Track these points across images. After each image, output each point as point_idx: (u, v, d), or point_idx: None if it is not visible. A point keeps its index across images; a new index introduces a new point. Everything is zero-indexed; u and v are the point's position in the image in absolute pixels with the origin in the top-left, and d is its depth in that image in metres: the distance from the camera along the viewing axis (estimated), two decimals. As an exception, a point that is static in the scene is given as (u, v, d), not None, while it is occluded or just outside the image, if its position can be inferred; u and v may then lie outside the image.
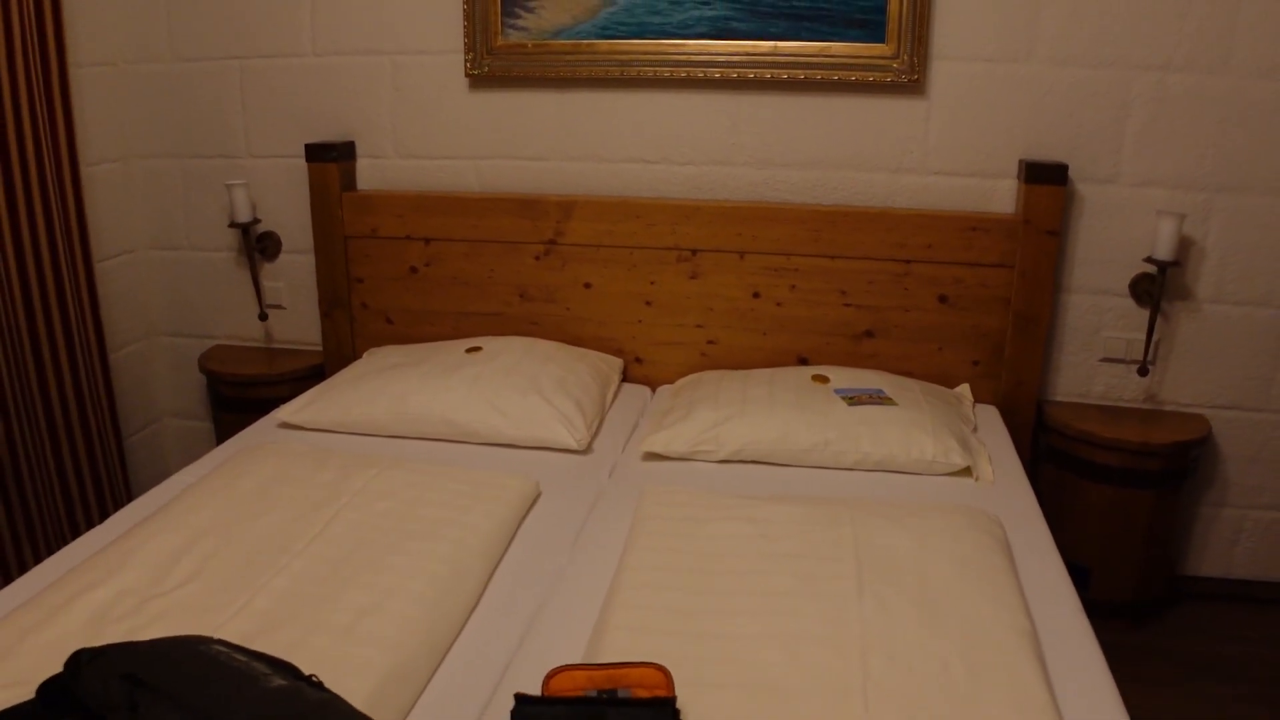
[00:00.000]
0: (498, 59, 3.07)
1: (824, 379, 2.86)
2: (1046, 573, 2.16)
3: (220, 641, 1.56)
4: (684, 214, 3.05)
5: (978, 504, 2.43)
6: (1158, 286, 2.92)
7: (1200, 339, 3.04)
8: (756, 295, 3.08)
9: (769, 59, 2.96)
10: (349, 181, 3.27)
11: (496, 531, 2.21)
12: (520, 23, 3.04)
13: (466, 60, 3.09)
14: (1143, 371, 2.99)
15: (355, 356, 3.34)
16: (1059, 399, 3.15)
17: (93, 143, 3.24)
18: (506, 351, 2.99)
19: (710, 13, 2.95)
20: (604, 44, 3.02)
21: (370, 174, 3.30)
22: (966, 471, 2.59)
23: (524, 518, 2.35)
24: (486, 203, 3.14)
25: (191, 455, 3.69)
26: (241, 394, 3.33)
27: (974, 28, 2.89)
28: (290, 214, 3.39)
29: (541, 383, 2.83)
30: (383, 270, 3.26)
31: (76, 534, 3.08)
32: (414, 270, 3.23)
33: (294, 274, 3.45)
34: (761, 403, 2.72)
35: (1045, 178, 2.87)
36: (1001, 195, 3.00)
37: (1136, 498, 2.94)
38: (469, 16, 3.04)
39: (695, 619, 1.86)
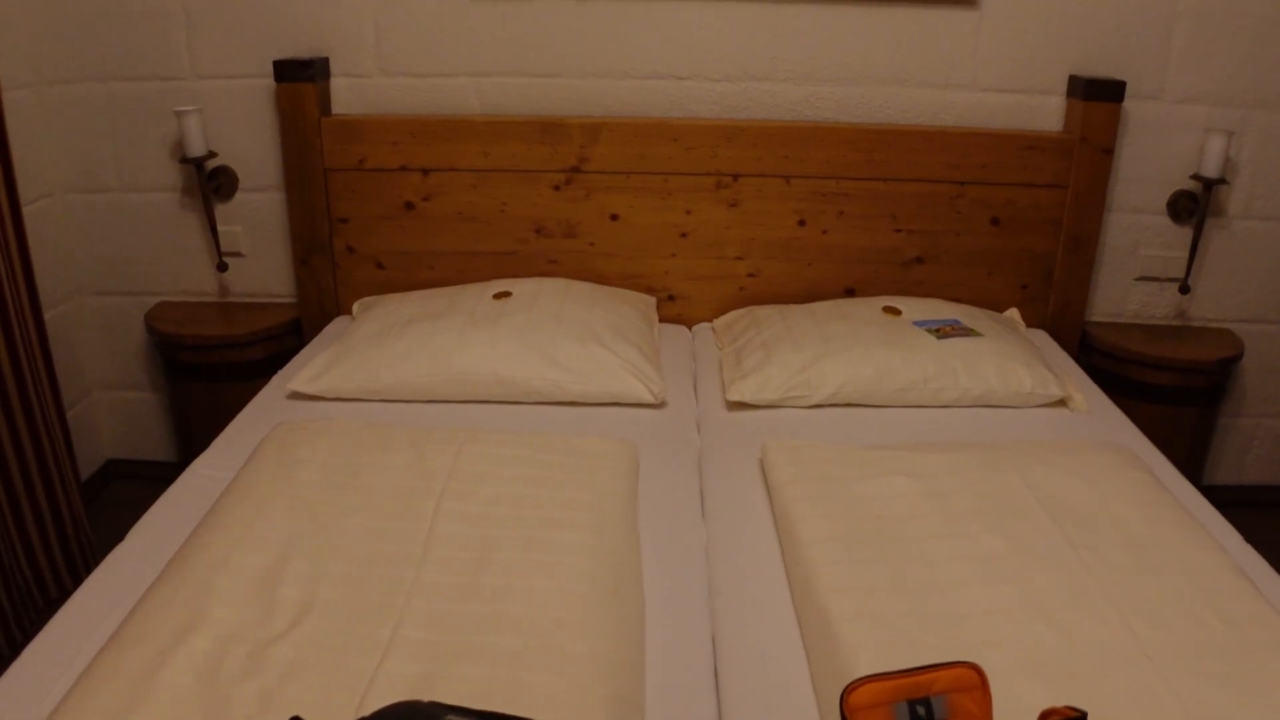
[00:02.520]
0: (510, -39, 2.69)
1: (895, 310, 2.69)
2: (1194, 503, 2.10)
3: (451, 708, 1.25)
4: (725, 135, 2.77)
5: (1085, 433, 2.37)
6: (1202, 204, 2.88)
7: (1229, 255, 3.04)
8: (802, 223, 2.85)
9: (819, -36, 2.71)
10: (325, 105, 2.81)
11: (625, 509, 1.93)
12: (538, -81, 2.66)
13: (473, -39, 2.69)
14: (1184, 289, 2.97)
15: (339, 309, 2.91)
16: (1095, 319, 3.10)
17: (-6, 63, 2.64)
18: (542, 295, 2.65)
19: (757, -90, 2.67)
20: (634, -56, 2.68)
21: (347, 95, 2.84)
22: (1061, 402, 2.50)
23: (636, 485, 2.08)
24: (498, 127, 2.76)
25: (131, 433, 3.21)
26: (204, 359, 2.84)
27: (1031, -68, 2.74)
28: (248, 145, 2.89)
29: (597, 329, 2.52)
30: (372, 208, 2.82)
31: (24, 532, 2.56)
32: (410, 206, 2.82)
33: (254, 216, 2.96)
34: (846, 339, 2.52)
35: (1102, 94, 2.76)
36: (1049, 113, 2.88)
37: (1181, 414, 2.94)
38: (477, -89, 2.64)
39: (920, 597, 1.65)
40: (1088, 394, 2.56)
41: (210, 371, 2.84)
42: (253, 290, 3.04)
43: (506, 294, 2.66)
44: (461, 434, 2.12)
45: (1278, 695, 1.46)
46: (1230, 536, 1.98)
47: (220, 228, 2.93)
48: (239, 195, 2.93)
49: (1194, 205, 2.93)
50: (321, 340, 2.74)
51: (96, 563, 2.69)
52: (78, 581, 2.69)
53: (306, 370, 2.43)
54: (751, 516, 2.00)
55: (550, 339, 2.46)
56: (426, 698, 1.39)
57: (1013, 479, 2.00)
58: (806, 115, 2.87)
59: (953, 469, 2.04)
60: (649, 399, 2.40)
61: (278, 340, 2.89)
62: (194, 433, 2.91)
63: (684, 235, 2.86)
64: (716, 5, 2.77)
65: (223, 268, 2.93)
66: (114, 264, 3.02)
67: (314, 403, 2.39)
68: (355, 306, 2.85)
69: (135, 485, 3.19)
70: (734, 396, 2.42)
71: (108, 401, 3.19)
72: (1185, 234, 2.99)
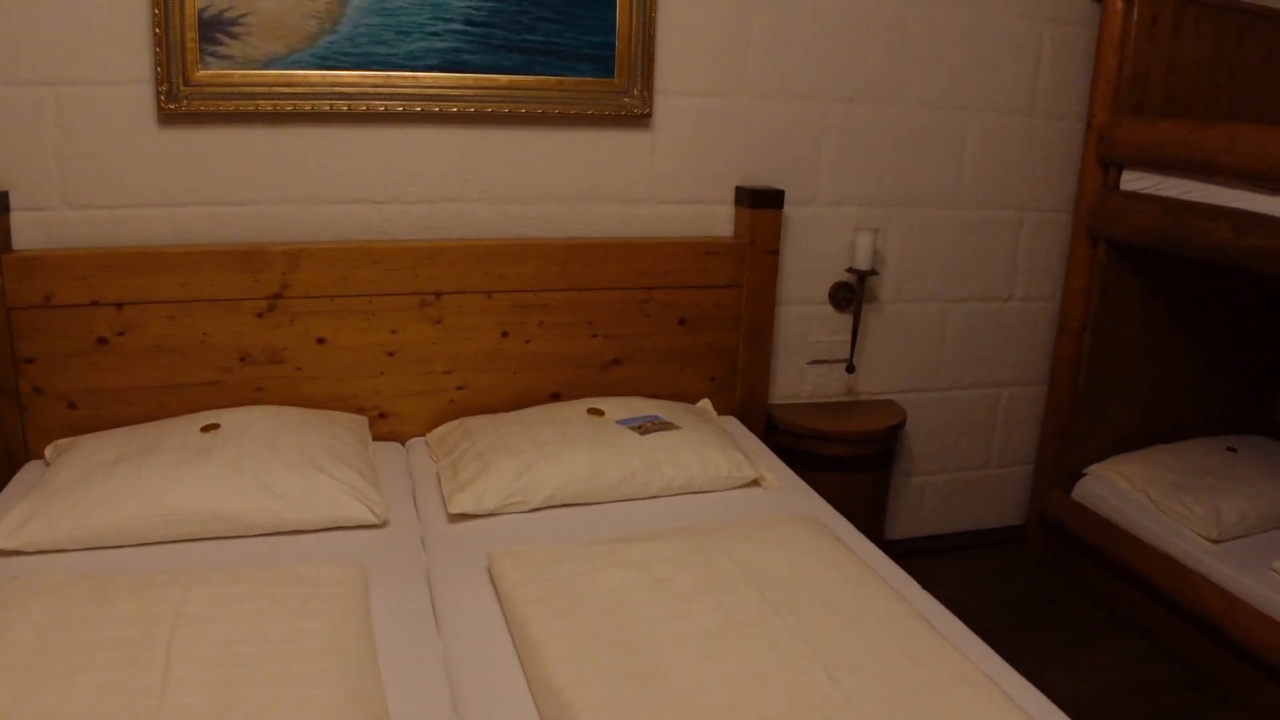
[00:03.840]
0: (197, 92, 2.68)
1: (599, 411, 2.86)
2: (875, 559, 2.40)
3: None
4: (425, 256, 2.88)
5: (778, 507, 2.65)
6: (858, 293, 3.27)
7: (885, 335, 3.46)
8: (505, 335, 2.99)
9: (504, 93, 2.88)
10: (5, 241, 2.68)
11: (360, 632, 1.96)
12: (224, 50, 2.67)
13: (160, 93, 2.66)
14: (850, 369, 3.34)
15: (30, 455, 2.75)
16: (777, 401, 3.42)
17: None
18: (252, 424, 2.64)
19: (441, 44, 2.81)
20: (324, 75, 2.75)
21: (31, 230, 2.72)
22: (755, 482, 2.75)
23: (369, 608, 2.11)
24: (196, 257, 2.74)
25: None
26: (-122, 519, 2.60)
27: (693, 64, 3.07)
28: (-84, 287, 2.70)
29: (313, 455, 2.53)
30: (61, 345, 2.70)
31: None
32: (103, 342, 2.73)
33: (-73, 361, 2.75)
34: (557, 443, 2.67)
35: (765, 203, 3.11)
36: (721, 220, 3.20)
37: (859, 480, 3.29)
38: (160, 42, 2.62)
39: (651, 678, 1.81)
40: (776, 472, 2.83)
41: (-117, 534, 2.61)
42: (-72, 441, 2.82)
43: (215, 426, 2.62)
44: (185, 576, 2.07)
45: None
46: (909, 585, 2.29)
47: (-113, 378, 2.71)
48: (-92, 341, 2.74)
49: (851, 294, 3.32)
50: (14, 489, 2.57)
51: None
52: None
53: (3, 524, 2.29)
54: (485, 625, 2.08)
55: (266, 468, 2.45)
56: None
57: (720, 558, 2.22)
58: (503, 232, 3.03)
59: (667, 556, 2.23)
60: (371, 519, 2.44)
61: (-38, 493, 2.70)
62: None
63: (391, 354, 2.93)
64: (408, 131, 2.89)
65: (-109, 420, 2.71)
66: None
67: (14, 559, 2.25)
68: (48, 450, 2.70)
69: None
70: (455, 509, 2.50)
71: None
72: (847, 320, 3.37)
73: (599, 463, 2.62)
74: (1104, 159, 3.33)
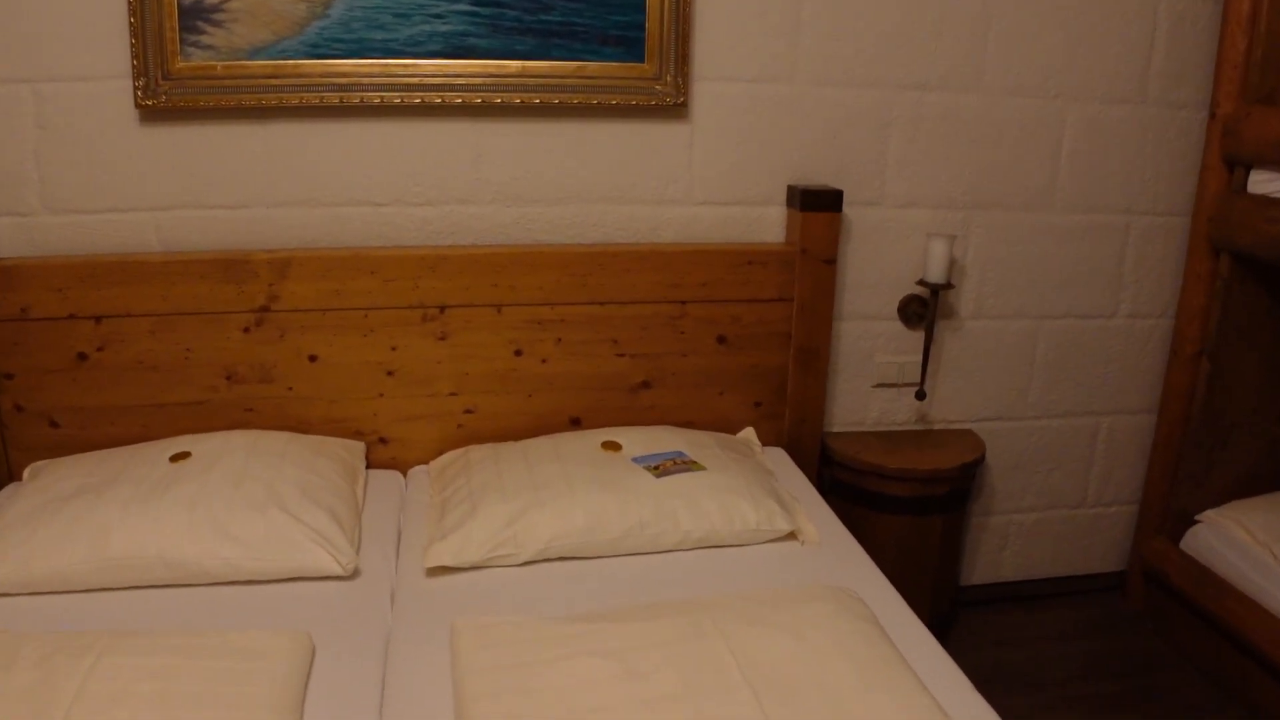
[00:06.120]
0: (178, 85, 2.44)
1: (615, 445, 2.53)
2: (920, 646, 1.98)
3: None
4: (428, 265, 2.59)
5: (812, 570, 2.25)
6: (930, 309, 2.85)
7: (964, 356, 3.04)
8: (518, 353, 2.69)
9: (517, 81, 2.56)
10: (-19, 249, 2.52)
11: (283, 720, 1.70)
12: (205, 40, 2.43)
13: (136, 88, 2.43)
14: (920, 395, 2.93)
15: (12, 475, 2.58)
16: (836, 429, 3.03)
17: None
18: (224, 454, 2.39)
19: (444, 28, 2.51)
20: (315, 64, 2.48)
21: (11, 237, 2.54)
22: (790, 535, 2.38)
23: (306, 687, 1.83)
24: (176, 266, 2.51)
25: None
26: None
27: (736, 46, 2.68)
28: (-108, 297, 2.56)
29: (281, 492, 2.28)
30: (40, 361, 2.52)
31: None
32: (83, 357, 2.53)
33: (-94, 375, 2.61)
34: (557, 485, 2.35)
35: (820, 204, 2.71)
36: (769, 224, 2.81)
37: (927, 523, 2.88)
38: (136, 33, 2.39)
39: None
40: (821, 521, 2.45)
41: None
42: (-90, 457, 2.68)
43: (186, 455, 2.39)
44: (102, 641, 1.83)
45: None
46: (950, 675, 1.87)
47: None
48: (-114, 354, 2.60)
49: (924, 309, 2.90)
50: (-19, 515, 2.42)
51: None
52: None
53: (-53, 563, 2.11)
54: (433, 714, 1.77)
55: (226, 509, 2.19)
56: None
57: (718, 648, 1.85)
58: (517, 238, 2.72)
59: (654, 642, 1.87)
60: (337, 570, 2.16)
61: (-60, 514, 2.55)
62: None
63: (390, 373, 2.65)
64: (415, 125, 2.61)
65: None
66: None
67: (-42, 602, 2.07)
68: (26, 472, 2.53)
69: None
70: (431, 562, 2.19)
71: None
72: (919, 338, 2.95)
73: (602, 510, 2.28)
74: (1229, 156, 2.82)
